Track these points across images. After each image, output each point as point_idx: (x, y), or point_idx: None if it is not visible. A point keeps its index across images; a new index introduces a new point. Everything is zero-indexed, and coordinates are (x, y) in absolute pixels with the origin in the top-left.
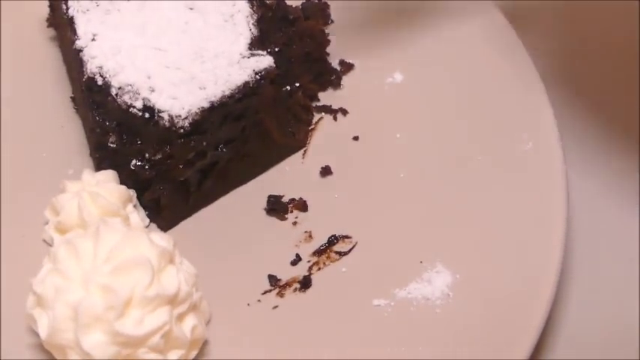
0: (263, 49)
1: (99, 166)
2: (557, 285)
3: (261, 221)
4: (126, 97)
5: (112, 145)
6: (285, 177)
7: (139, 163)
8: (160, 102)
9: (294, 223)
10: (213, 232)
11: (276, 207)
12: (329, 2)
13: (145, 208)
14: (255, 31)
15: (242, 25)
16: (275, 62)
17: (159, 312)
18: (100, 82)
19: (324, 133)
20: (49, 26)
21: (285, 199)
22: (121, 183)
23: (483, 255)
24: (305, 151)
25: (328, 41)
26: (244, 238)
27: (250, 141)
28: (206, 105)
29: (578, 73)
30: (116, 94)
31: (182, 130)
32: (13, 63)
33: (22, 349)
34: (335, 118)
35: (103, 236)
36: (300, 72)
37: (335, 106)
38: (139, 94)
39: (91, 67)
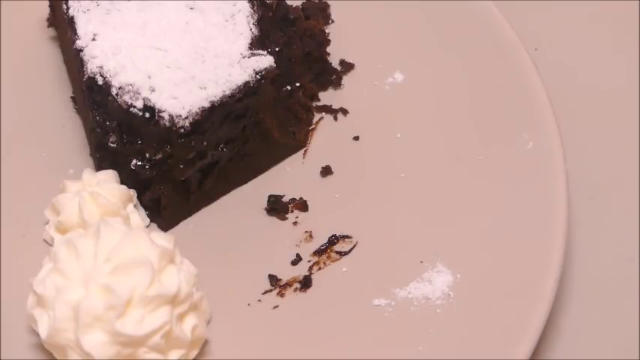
0: (263, 49)
1: (99, 166)
2: (557, 285)
3: (262, 221)
4: (126, 97)
5: (112, 145)
6: (286, 177)
7: (140, 163)
8: (160, 102)
9: (295, 223)
10: (214, 232)
11: (277, 207)
12: (329, 2)
13: (145, 207)
14: (255, 31)
15: (242, 24)
16: (275, 62)
17: (159, 312)
18: (100, 82)
19: (325, 133)
20: (49, 26)
21: (285, 199)
22: (122, 183)
23: (484, 255)
24: (305, 150)
25: (328, 41)
26: (245, 238)
27: (251, 141)
28: (206, 105)
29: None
30: (116, 94)
31: (182, 130)
32: (13, 63)
33: (22, 349)
34: (335, 118)
35: (104, 236)
36: (300, 72)
37: (335, 106)
38: (140, 93)
39: (91, 67)
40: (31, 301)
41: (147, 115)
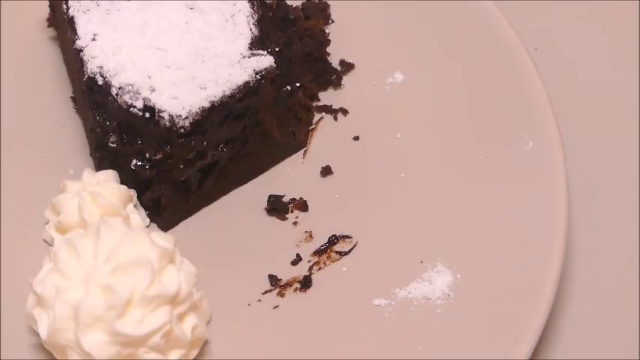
0: (263, 49)
1: (99, 166)
2: (557, 285)
3: (262, 221)
4: (126, 97)
5: (112, 145)
6: (286, 177)
7: (140, 163)
8: (160, 102)
9: (295, 223)
10: (214, 232)
11: (277, 207)
12: (329, 2)
13: (145, 207)
14: (255, 31)
15: (242, 24)
16: (275, 62)
17: (159, 312)
18: (100, 82)
19: (325, 133)
20: (49, 26)
21: (285, 199)
22: (122, 183)
23: (484, 255)
24: (305, 150)
25: (328, 41)
26: (245, 238)
27: (251, 141)
28: (207, 105)
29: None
30: (116, 94)
31: (182, 130)
32: (13, 63)
33: (22, 349)
34: (335, 118)
35: (104, 236)
36: (300, 72)
37: (335, 106)
38: (140, 93)
39: (91, 67)
40: (31, 301)
41: (147, 115)
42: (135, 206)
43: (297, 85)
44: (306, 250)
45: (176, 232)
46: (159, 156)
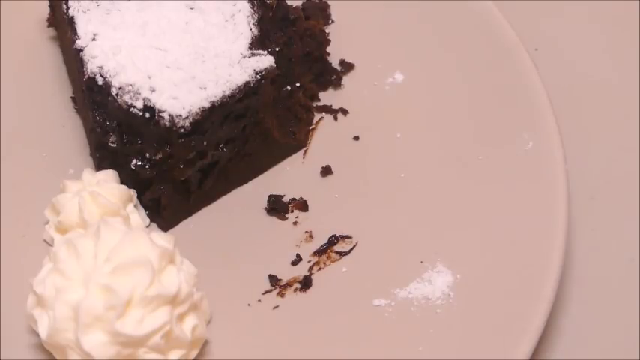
0: (263, 49)
1: (99, 166)
2: (557, 285)
3: (262, 221)
4: (126, 97)
5: (112, 145)
6: (286, 177)
7: (140, 163)
8: (160, 102)
9: (295, 223)
10: (214, 232)
11: (277, 207)
12: (329, 2)
13: (145, 208)
14: (255, 31)
15: (243, 24)
16: (275, 62)
17: (159, 312)
18: (100, 82)
19: (325, 133)
20: (49, 26)
21: (285, 199)
22: (122, 183)
23: (484, 255)
24: (305, 150)
25: (328, 41)
26: (245, 238)
27: (251, 141)
28: (207, 105)
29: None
30: (117, 94)
31: (182, 130)
32: (13, 63)
33: (22, 349)
34: (335, 118)
35: (104, 236)
36: (300, 72)
37: (335, 106)
38: (140, 93)
39: (91, 67)
40: (31, 301)
41: (147, 115)
42: (135, 206)
43: (297, 85)
44: (306, 250)
45: (176, 232)
46: (159, 156)
